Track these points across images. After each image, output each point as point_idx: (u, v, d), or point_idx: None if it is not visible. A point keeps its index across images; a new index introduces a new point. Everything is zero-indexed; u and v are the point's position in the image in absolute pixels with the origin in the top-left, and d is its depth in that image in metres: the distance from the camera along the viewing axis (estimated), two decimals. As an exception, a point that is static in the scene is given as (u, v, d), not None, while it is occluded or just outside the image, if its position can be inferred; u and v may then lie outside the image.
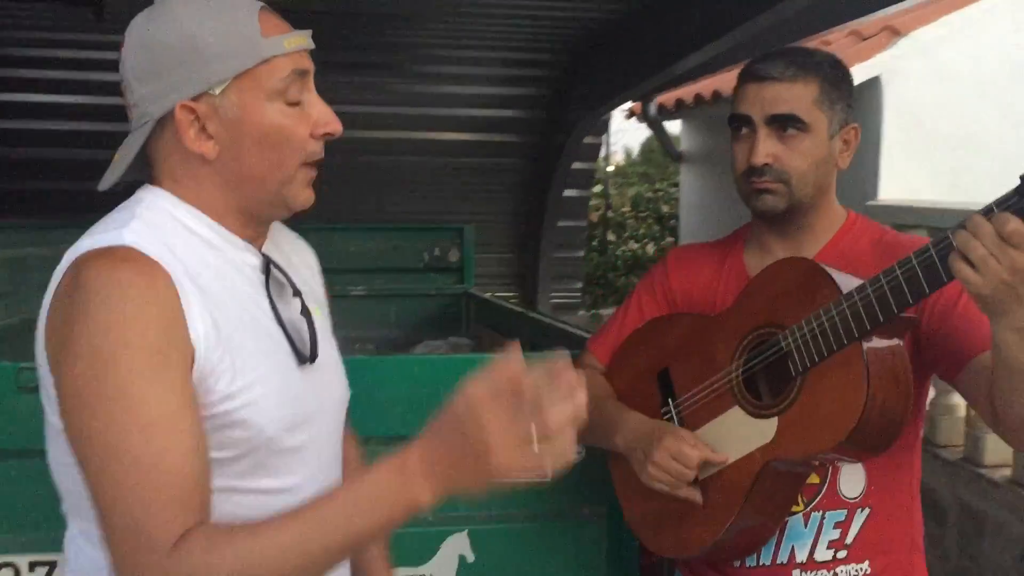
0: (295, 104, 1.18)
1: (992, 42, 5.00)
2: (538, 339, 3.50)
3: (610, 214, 11.67)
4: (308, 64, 1.19)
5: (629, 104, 7.80)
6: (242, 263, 1.21)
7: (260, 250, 1.24)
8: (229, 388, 1.11)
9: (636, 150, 17.49)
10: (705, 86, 6.34)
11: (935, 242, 1.29)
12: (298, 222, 1.33)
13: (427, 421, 1.06)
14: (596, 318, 9.97)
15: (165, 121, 1.15)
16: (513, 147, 6.64)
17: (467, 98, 6.19)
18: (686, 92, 6.58)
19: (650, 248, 11.23)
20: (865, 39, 5.08)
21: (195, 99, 1.13)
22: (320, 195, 1.27)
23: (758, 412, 1.50)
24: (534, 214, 7.01)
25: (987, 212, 1.25)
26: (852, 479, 1.59)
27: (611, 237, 11.37)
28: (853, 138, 1.62)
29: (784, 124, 1.55)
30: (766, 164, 1.56)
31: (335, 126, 1.21)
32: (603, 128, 7.06)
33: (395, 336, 4.39)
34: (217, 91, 1.14)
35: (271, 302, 1.21)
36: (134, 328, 1.04)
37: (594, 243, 10.84)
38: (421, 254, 4.57)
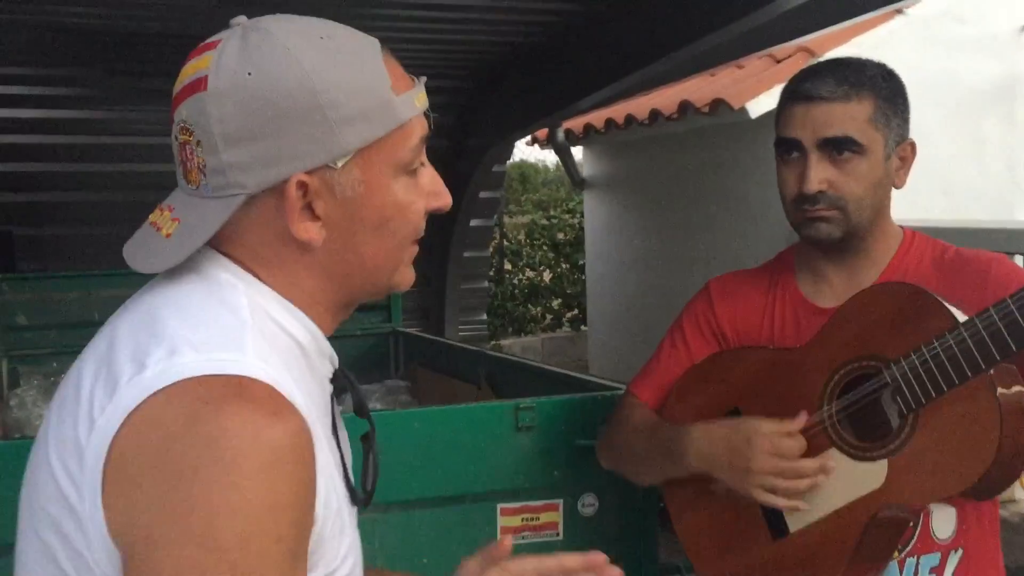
0: (413, 174, 0.95)
1: (897, 61, 5.13)
2: (471, 372, 3.33)
3: (505, 243, 11.57)
4: (428, 126, 0.96)
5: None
6: (323, 374, 0.96)
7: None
8: (332, 561, 0.89)
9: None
10: (616, 111, 6.29)
11: None
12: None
13: None
14: (497, 349, 9.81)
15: (260, 195, 0.89)
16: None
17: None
18: (595, 117, 6.52)
19: (547, 275, 11.17)
20: (780, 61, 5.13)
21: (309, 172, 0.88)
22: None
23: (862, 455, 1.36)
24: (438, 246, 6.82)
25: None
26: (944, 519, 1.46)
27: (508, 266, 11.26)
28: (910, 154, 1.52)
29: (839, 147, 1.43)
30: (820, 191, 1.43)
31: (447, 199, 0.99)
32: (508, 155, 6.93)
33: (323, 381, 4.14)
34: (339, 164, 0.89)
35: (334, 427, 0.96)
36: (289, 516, 0.79)
37: (490, 272, 10.70)
38: (346, 293, 4.32)
